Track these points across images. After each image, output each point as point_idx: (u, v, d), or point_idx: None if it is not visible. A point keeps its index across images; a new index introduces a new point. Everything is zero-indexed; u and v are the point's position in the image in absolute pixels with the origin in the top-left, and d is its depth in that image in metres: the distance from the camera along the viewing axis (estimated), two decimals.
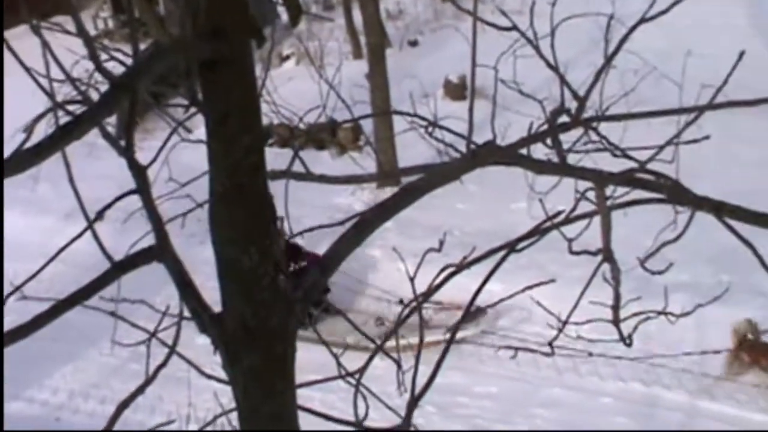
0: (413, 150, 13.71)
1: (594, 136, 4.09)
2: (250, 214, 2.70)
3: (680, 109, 4.02)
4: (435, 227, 13.63)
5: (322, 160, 17.19)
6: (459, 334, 11.28)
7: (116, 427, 3.00)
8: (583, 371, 11.76)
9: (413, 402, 3.13)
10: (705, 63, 11.01)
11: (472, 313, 11.53)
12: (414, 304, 3.58)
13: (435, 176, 3.47)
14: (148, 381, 2.99)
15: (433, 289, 3.57)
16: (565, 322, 4.17)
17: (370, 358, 3.35)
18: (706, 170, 13.13)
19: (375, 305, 12.81)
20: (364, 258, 13.17)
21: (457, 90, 18.84)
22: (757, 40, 17.82)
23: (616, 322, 4.15)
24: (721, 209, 3.44)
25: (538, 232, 3.55)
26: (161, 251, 2.74)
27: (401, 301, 11.69)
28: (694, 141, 4.04)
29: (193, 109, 2.94)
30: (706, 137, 4.17)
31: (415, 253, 3.97)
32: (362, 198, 16.15)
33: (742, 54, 3.81)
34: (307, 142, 18.16)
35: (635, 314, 4.22)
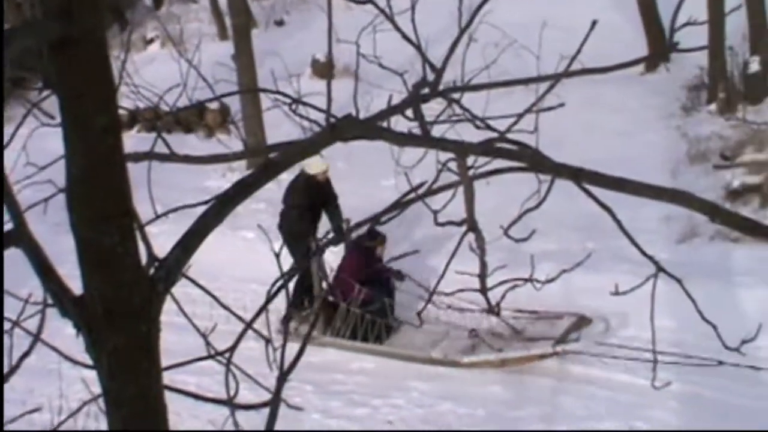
0: (281, 129, 13.66)
1: (457, 109, 4.15)
2: (108, 194, 2.67)
3: (537, 78, 4.10)
4: None
5: (189, 143, 17.00)
6: (566, 347, 11.15)
7: None
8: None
9: (282, 377, 3.15)
10: (563, 34, 11.20)
11: (576, 321, 11.31)
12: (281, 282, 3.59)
13: (294, 151, 3.47)
14: (12, 370, 2.94)
15: (301, 265, 3.58)
16: (432, 293, 4.23)
17: (239, 338, 3.35)
18: (568, 140, 13.42)
19: (452, 314, 11.52)
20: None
21: (324, 68, 18.84)
22: (614, 11, 18.20)
23: (483, 290, 4.23)
24: (579, 175, 3.51)
25: (401, 204, 3.59)
26: (19, 235, 2.70)
27: (489, 310, 11.06)
28: (551, 108, 4.12)
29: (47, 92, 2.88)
30: (562, 104, 4.26)
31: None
32: (233, 180, 16.01)
33: (594, 24, 3.89)
34: (174, 124, 17.96)
35: (502, 282, 4.30)
